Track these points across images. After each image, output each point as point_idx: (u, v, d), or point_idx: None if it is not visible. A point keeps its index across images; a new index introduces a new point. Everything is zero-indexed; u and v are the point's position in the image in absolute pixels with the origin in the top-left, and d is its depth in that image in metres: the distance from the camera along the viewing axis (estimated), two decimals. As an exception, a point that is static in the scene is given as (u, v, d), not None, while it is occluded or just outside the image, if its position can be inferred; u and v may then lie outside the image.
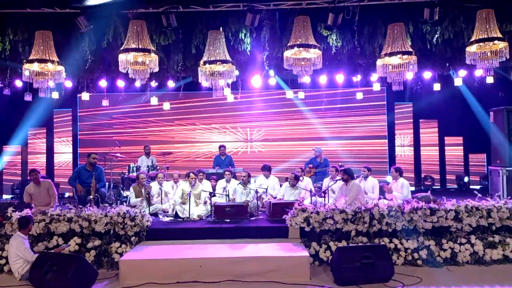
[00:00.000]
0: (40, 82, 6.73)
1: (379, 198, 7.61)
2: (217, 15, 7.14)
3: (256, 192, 7.68)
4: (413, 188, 8.35)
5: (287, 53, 6.58)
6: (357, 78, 10.88)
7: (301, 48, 6.43)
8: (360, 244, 5.94)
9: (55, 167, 12.64)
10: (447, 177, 12.44)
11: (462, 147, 12.47)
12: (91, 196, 7.61)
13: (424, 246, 5.93)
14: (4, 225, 6.23)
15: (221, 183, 8.59)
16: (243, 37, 7.21)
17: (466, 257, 5.92)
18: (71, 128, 12.70)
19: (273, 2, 6.92)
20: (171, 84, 10.87)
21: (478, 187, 11.17)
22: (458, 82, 10.62)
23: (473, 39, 6.26)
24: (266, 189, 8.25)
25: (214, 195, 7.81)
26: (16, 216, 6.15)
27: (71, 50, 7.57)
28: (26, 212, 6.29)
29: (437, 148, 12.59)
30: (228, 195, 8.09)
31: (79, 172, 8.07)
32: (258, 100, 12.64)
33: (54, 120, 12.67)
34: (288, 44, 6.52)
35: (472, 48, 6.34)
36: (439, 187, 12.21)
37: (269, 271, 5.37)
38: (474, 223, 6.11)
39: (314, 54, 6.51)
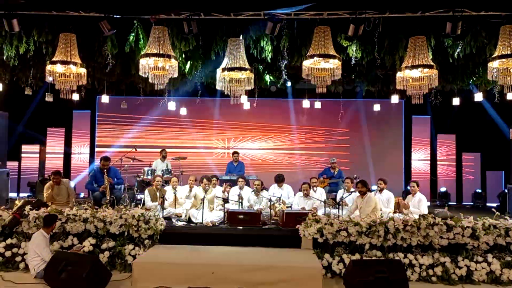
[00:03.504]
0: (63, 83, 6.85)
1: (394, 212, 7.51)
2: (237, 23, 7.19)
3: (270, 200, 7.66)
4: (428, 204, 8.23)
5: (306, 63, 6.59)
6: (375, 89, 10.82)
7: (320, 58, 6.44)
8: (374, 258, 5.87)
9: (72, 167, 12.82)
10: (463, 194, 12.25)
11: (479, 164, 12.27)
12: (107, 197, 7.70)
13: (440, 263, 5.83)
14: (21, 222, 6.33)
15: (234, 190, 8.59)
16: (264, 45, 7.24)
17: (482, 276, 5.80)
18: (89, 129, 12.88)
19: (294, 12, 6.95)
20: (189, 89, 10.96)
21: (494, 204, 10.97)
22: (478, 97, 10.48)
23: (495, 54, 6.20)
24: (280, 198, 8.22)
25: (228, 201, 7.81)
26: (33, 215, 6.25)
27: (93, 53, 7.72)
28: (43, 210, 6.39)
29: (454, 163, 12.42)
30: (241, 202, 8.09)
31: (95, 176, 8.18)
32: (274, 108, 12.67)
33: (73, 120, 12.87)
34: (308, 54, 6.53)
35: (494, 64, 6.28)
36: (455, 203, 12.01)
37: (280, 280, 5.34)
38: (491, 241, 5.99)
39: (334, 64, 6.51)
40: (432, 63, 6.40)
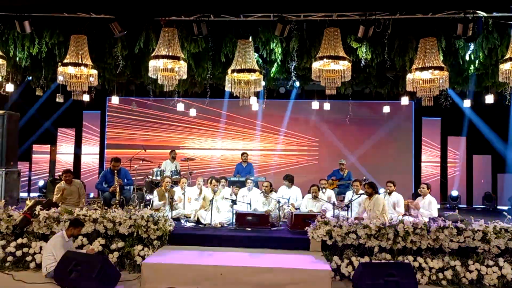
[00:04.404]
0: (74, 85, 6.92)
1: (404, 215, 7.46)
2: (247, 24, 7.20)
3: (278, 202, 7.65)
4: (438, 206, 8.15)
5: (316, 64, 6.57)
6: (385, 91, 10.75)
7: (330, 60, 6.42)
8: (383, 261, 5.84)
9: (81, 167, 12.93)
10: (474, 196, 12.12)
11: (490, 166, 12.13)
12: (117, 198, 7.74)
13: (450, 267, 5.79)
14: (31, 222, 6.39)
15: (243, 191, 8.59)
16: (274, 47, 7.24)
17: (493, 280, 5.74)
18: (99, 130, 12.99)
19: (304, 13, 6.94)
20: (198, 90, 10.99)
21: (506, 207, 10.84)
22: (489, 99, 10.36)
23: (507, 56, 6.14)
24: (288, 200, 8.20)
25: (236, 203, 7.81)
26: (44, 215, 6.30)
27: (104, 54, 7.78)
28: (53, 211, 6.44)
29: (465, 166, 12.30)
30: (250, 204, 8.08)
31: (106, 176, 8.23)
32: (283, 109, 12.66)
33: (83, 121, 12.98)
34: (317, 56, 6.51)
35: (506, 66, 6.21)
36: (465, 206, 11.89)
37: (289, 283, 5.33)
38: (502, 245, 5.92)
39: (343, 66, 6.48)
40: (442, 65, 6.35)
